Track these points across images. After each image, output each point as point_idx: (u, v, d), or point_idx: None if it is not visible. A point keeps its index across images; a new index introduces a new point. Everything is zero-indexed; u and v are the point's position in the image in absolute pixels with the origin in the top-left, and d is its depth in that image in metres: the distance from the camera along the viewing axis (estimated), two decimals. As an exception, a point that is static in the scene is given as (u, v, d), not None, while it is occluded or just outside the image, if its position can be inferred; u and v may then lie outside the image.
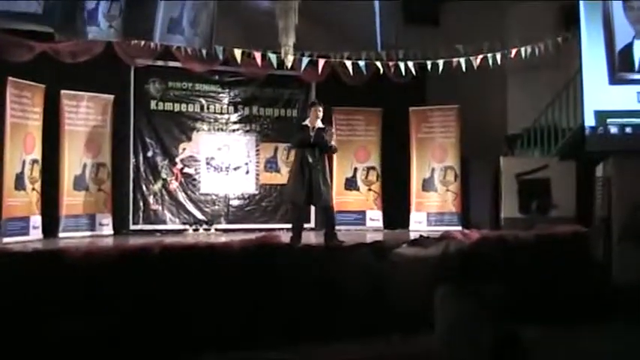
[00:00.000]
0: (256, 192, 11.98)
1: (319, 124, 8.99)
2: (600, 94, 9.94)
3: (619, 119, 9.86)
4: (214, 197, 11.71)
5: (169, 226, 11.28)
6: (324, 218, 9.31)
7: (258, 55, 10.57)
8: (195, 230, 11.22)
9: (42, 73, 9.74)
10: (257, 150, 12.02)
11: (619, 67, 9.87)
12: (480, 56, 11.03)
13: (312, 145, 8.82)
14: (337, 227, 11.36)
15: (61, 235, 10.08)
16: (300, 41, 10.14)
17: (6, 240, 8.87)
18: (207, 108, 11.76)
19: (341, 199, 11.98)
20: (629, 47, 9.87)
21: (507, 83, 13.03)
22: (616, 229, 9.60)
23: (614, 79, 9.91)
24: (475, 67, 11.03)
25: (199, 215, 11.49)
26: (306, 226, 11.97)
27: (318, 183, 8.74)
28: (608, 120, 9.88)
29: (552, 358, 6.33)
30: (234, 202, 11.84)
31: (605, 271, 9.34)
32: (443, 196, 12.01)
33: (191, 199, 11.54)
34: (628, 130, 9.83)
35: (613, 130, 9.88)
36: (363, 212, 12.20)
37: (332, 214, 9.27)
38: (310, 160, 8.78)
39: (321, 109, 9.06)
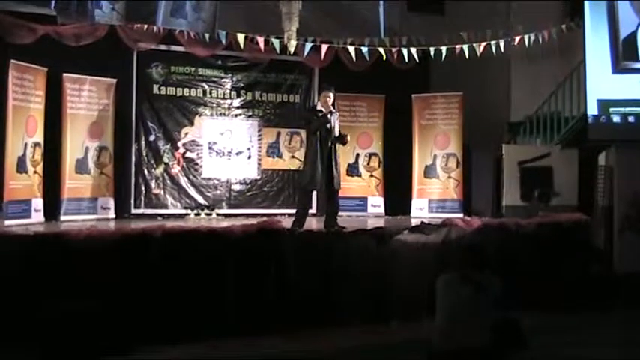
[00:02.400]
0: (258, 177, 11.96)
1: (332, 108, 8.94)
2: (603, 83, 9.94)
3: (622, 108, 9.87)
4: (216, 182, 11.69)
5: (171, 211, 11.26)
6: (331, 203, 9.16)
7: (261, 40, 10.55)
8: (197, 215, 11.22)
9: (44, 55, 9.70)
10: (259, 135, 12.00)
11: (623, 56, 9.87)
12: (484, 44, 11.01)
13: (327, 129, 8.77)
14: (339, 213, 11.43)
15: (62, 218, 10.07)
16: (303, 26, 10.11)
17: (8, 223, 8.86)
18: (210, 93, 11.73)
19: (343, 185, 11.91)
20: (633, 36, 9.86)
21: (510, 71, 13.00)
22: (617, 218, 9.62)
23: (618, 67, 9.91)
24: (478, 55, 11.01)
25: (201, 200, 11.48)
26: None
27: (334, 167, 8.74)
28: (611, 109, 9.89)
29: (553, 343, 6.36)
30: (236, 187, 11.83)
31: (607, 259, 9.38)
32: (445, 183, 11.99)
33: (193, 184, 11.53)
34: (631, 119, 9.84)
35: (616, 119, 9.89)
36: (365, 199, 12.19)
37: (338, 199, 9.20)
38: (329, 144, 8.75)
39: (331, 94, 8.92)
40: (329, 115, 8.79)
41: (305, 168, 8.96)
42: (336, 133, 8.84)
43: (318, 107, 8.97)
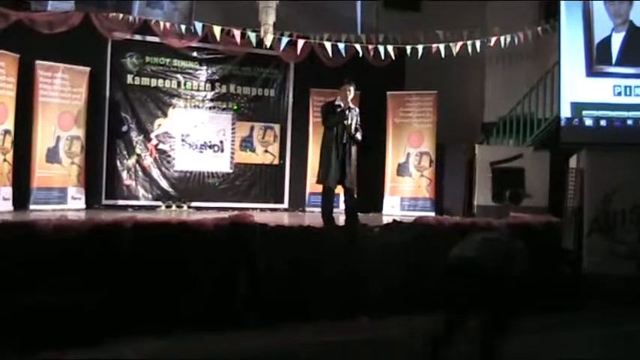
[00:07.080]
0: (231, 171, 11.92)
1: (351, 104, 8.74)
2: (577, 86, 10.01)
3: (594, 111, 9.94)
4: (188, 174, 11.63)
5: (142, 202, 11.19)
6: (345, 200, 9.10)
7: (237, 33, 10.50)
8: (168, 207, 11.16)
9: (17, 42, 9.57)
10: (233, 128, 11.95)
11: (597, 60, 9.94)
12: (460, 43, 11.05)
13: (344, 126, 8.63)
14: (309, 209, 11.43)
15: (31, 207, 9.95)
16: (280, 21, 10.08)
17: (-25, 210, 8.77)
18: (185, 84, 11.66)
19: (314, 180, 11.94)
20: (607, 40, 9.93)
21: (485, 71, 13.07)
22: (587, 220, 9.71)
23: (592, 71, 9.98)
24: (454, 54, 11.04)
25: (172, 192, 11.42)
26: (279, 206, 12.02)
27: (350, 162, 8.69)
28: (584, 112, 9.95)
29: (522, 346, 6.39)
30: (208, 180, 11.78)
31: (576, 261, 9.46)
32: (417, 181, 12.02)
33: (165, 176, 11.46)
34: (603, 122, 9.92)
35: (588, 122, 9.96)
36: (337, 195, 12.14)
37: (351, 196, 9.05)
38: (344, 140, 8.68)
39: (351, 88, 8.68)
40: (347, 112, 8.64)
41: (321, 164, 8.92)
42: (353, 131, 8.65)
43: (337, 102, 8.76)
